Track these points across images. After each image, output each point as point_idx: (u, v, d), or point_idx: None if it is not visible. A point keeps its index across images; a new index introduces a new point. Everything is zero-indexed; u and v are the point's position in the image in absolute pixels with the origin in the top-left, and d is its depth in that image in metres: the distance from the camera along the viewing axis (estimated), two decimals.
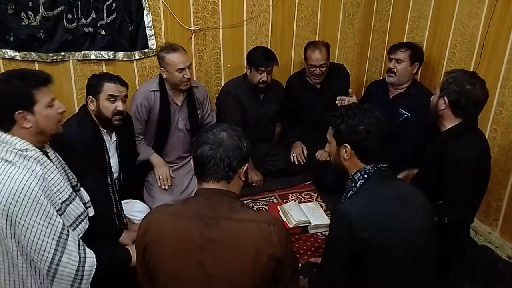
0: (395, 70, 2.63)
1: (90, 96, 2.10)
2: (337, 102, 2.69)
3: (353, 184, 1.45)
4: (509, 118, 2.31)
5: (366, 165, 1.44)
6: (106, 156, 2.13)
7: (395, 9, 3.20)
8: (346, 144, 1.45)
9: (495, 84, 2.35)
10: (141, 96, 2.50)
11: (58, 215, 1.40)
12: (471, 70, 2.48)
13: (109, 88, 2.07)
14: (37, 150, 1.43)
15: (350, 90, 2.75)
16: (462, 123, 1.85)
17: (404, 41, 3.00)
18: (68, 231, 1.42)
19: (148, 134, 2.59)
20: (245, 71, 2.82)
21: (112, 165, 2.18)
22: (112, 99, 2.07)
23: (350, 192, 1.46)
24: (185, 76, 2.43)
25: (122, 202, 2.10)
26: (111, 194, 2.08)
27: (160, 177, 2.47)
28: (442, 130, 1.90)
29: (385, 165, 1.45)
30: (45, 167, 1.44)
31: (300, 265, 2.04)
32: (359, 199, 1.40)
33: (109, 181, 2.11)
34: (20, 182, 1.33)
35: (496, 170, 2.37)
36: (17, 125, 1.40)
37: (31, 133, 1.43)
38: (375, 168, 1.44)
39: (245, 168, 1.28)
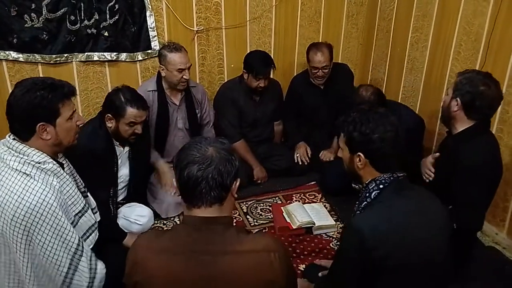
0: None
1: (110, 115, 2.07)
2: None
3: (367, 195, 1.38)
4: None
5: (381, 174, 1.36)
6: (115, 169, 2.13)
7: (399, 8, 3.17)
8: (360, 153, 1.37)
9: (501, 84, 2.30)
10: None
11: (74, 230, 1.40)
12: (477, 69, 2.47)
13: (131, 114, 2.05)
14: (54, 162, 1.43)
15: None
16: (474, 126, 1.80)
17: (409, 38, 2.95)
18: (82, 246, 1.42)
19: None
20: (242, 74, 2.79)
21: (120, 175, 2.18)
22: (132, 124, 2.07)
23: (364, 203, 1.39)
24: (184, 77, 2.43)
25: (124, 205, 2.11)
26: (110, 205, 2.10)
27: (166, 184, 2.45)
28: (454, 133, 1.85)
29: (402, 174, 1.37)
30: (61, 179, 1.43)
31: (303, 267, 2.03)
32: (372, 214, 1.33)
33: (111, 192, 2.12)
34: (39, 197, 1.32)
35: (502, 170, 2.33)
36: (36, 135, 1.39)
37: (49, 145, 1.42)
38: (392, 177, 1.35)
39: (237, 183, 1.15)
